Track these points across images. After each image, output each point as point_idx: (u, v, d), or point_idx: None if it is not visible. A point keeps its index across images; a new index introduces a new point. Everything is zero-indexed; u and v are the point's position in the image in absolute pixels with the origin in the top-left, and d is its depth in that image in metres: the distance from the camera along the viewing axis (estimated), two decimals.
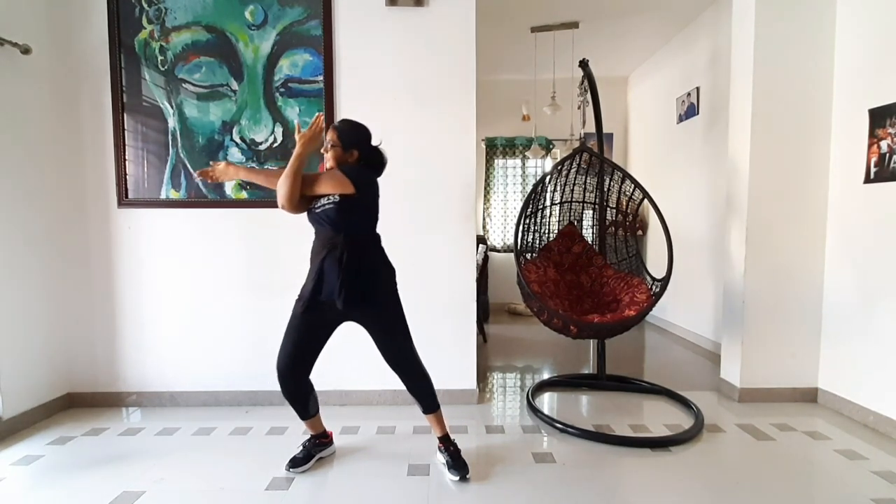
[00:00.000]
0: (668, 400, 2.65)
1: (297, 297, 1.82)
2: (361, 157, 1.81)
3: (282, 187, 1.68)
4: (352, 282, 1.71)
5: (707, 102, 3.77)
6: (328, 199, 1.72)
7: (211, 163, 1.93)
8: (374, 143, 1.86)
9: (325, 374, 2.51)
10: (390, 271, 1.86)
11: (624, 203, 2.93)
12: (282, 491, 1.74)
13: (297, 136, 1.71)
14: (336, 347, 2.50)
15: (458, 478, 1.78)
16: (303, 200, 1.74)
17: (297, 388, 1.85)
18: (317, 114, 1.69)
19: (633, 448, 2.07)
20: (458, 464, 1.82)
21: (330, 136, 1.78)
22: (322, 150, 1.81)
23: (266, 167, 2.52)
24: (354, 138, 1.80)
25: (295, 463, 1.87)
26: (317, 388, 2.53)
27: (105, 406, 2.54)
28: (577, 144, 3.56)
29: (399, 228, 2.50)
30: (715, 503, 1.67)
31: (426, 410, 1.89)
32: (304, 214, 1.80)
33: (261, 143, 2.51)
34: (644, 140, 5.04)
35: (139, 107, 2.49)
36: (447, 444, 1.89)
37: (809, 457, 2.01)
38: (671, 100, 4.33)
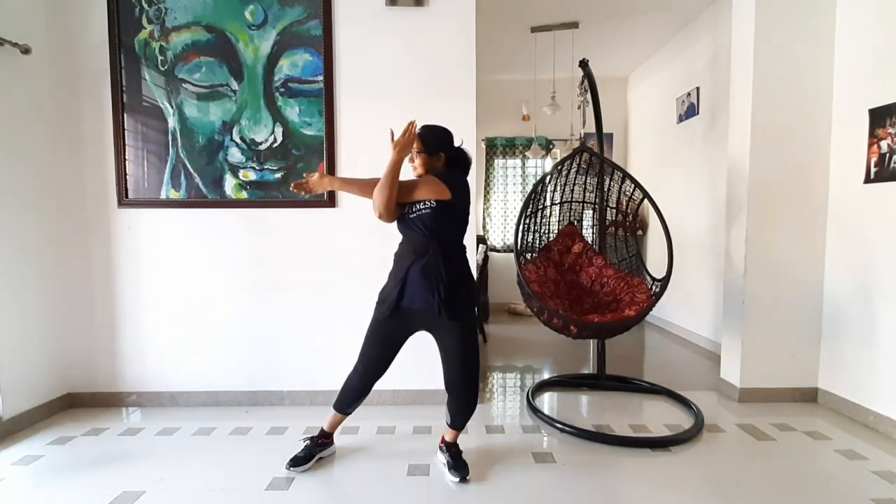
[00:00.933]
0: (668, 400, 2.65)
1: (378, 301, 1.82)
2: (448, 159, 1.80)
3: (379, 196, 1.66)
4: (444, 289, 1.69)
5: (707, 102, 3.77)
6: (424, 205, 1.70)
7: (305, 175, 1.89)
8: (455, 143, 1.85)
9: (325, 374, 2.53)
10: (474, 283, 1.85)
11: (624, 203, 2.93)
12: (282, 491, 1.74)
13: (391, 143, 1.65)
14: (336, 347, 2.51)
15: (458, 479, 1.78)
16: (398, 208, 1.73)
17: (367, 388, 1.87)
18: (410, 121, 1.66)
19: (633, 448, 2.07)
20: (458, 464, 1.82)
21: (415, 145, 1.74)
22: (408, 161, 1.75)
23: (267, 165, 2.52)
24: (438, 142, 1.78)
25: (296, 462, 1.87)
26: (318, 387, 2.55)
27: (105, 406, 2.54)
28: (577, 144, 3.56)
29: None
30: (715, 503, 1.67)
31: (456, 427, 1.87)
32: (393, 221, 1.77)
33: (261, 143, 2.51)
34: (644, 140, 5.04)
35: (139, 107, 2.49)
36: (449, 445, 1.89)
37: (809, 457, 2.01)
38: (671, 100, 4.33)
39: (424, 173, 1.76)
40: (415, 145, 1.74)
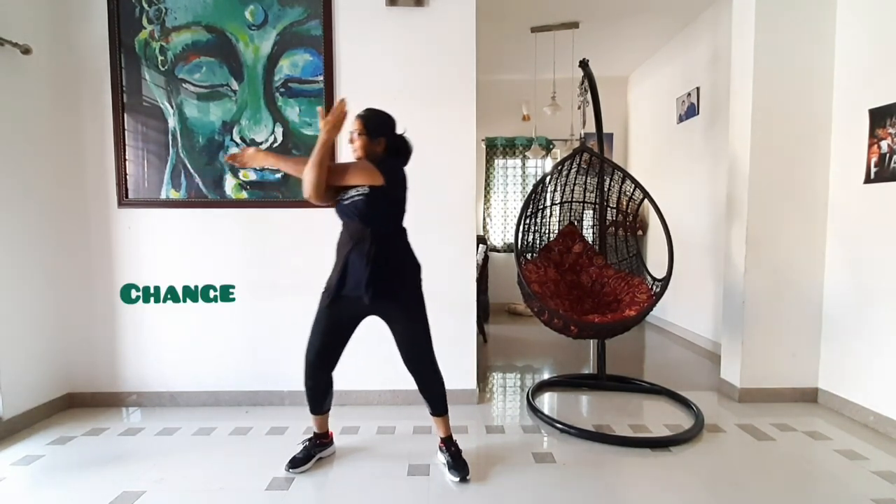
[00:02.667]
0: (668, 400, 2.64)
1: (323, 290, 1.82)
2: (388, 145, 1.79)
3: (308, 175, 1.64)
4: (379, 275, 1.70)
5: (707, 102, 3.77)
6: (357, 191, 1.70)
7: (241, 147, 1.90)
8: (398, 131, 1.84)
9: None
10: (416, 267, 1.85)
11: (624, 203, 2.93)
12: (282, 491, 1.74)
13: (320, 123, 1.65)
14: None
15: (458, 478, 1.78)
16: (330, 191, 1.72)
17: (321, 381, 1.87)
18: (340, 98, 1.67)
19: (633, 448, 2.07)
20: (458, 464, 1.82)
21: (356, 125, 1.75)
22: (349, 142, 1.78)
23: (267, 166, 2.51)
24: (381, 126, 1.78)
25: (295, 463, 1.87)
26: None
27: (105, 406, 2.54)
28: (577, 144, 3.56)
29: None
30: (715, 503, 1.67)
31: (435, 413, 1.88)
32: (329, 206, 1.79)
33: (261, 143, 2.51)
34: (644, 140, 5.04)
35: (139, 107, 2.49)
36: (449, 444, 1.89)
37: (809, 457, 2.01)
38: (671, 100, 4.33)
39: (363, 156, 1.74)
40: (355, 126, 1.74)
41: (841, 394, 2.45)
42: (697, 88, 3.88)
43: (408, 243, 1.85)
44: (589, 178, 3.02)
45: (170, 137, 2.50)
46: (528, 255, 2.96)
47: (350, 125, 1.77)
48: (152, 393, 2.57)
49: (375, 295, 1.70)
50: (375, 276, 1.70)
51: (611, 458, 2.00)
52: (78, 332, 2.53)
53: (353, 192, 1.72)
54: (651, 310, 2.43)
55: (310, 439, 1.96)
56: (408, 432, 2.23)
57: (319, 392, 1.89)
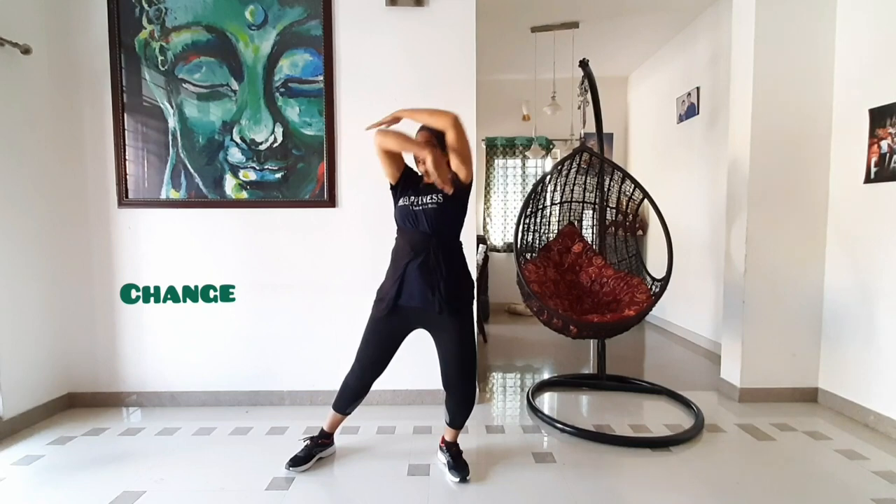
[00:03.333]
0: (668, 400, 2.64)
1: (376, 299, 1.80)
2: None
3: (397, 141, 1.64)
4: (444, 287, 1.67)
5: (707, 102, 3.77)
6: (431, 199, 1.67)
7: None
8: None
9: (326, 373, 2.53)
10: (472, 280, 1.83)
11: (624, 203, 2.93)
12: (282, 491, 1.74)
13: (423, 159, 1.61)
14: (337, 347, 2.51)
15: (458, 479, 1.78)
16: (395, 164, 1.70)
17: (365, 388, 1.85)
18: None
19: (633, 448, 2.07)
20: (458, 464, 1.82)
21: (423, 137, 1.67)
22: (421, 161, 1.64)
23: (267, 166, 2.52)
24: (441, 137, 1.67)
25: (295, 462, 1.87)
26: (318, 387, 2.55)
27: (105, 406, 2.54)
28: (577, 144, 3.56)
29: None
30: (715, 503, 1.67)
31: (455, 426, 1.86)
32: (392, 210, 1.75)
33: (261, 143, 2.51)
34: (644, 140, 5.04)
35: (139, 107, 2.49)
36: (450, 445, 1.89)
37: (809, 457, 2.01)
38: (671, 100, 4.33)
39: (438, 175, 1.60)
40: (423, 137, 1.67)
41: (841, 394, 2.45)
42: (697, 88, 3.88)
43: (464, 255, 1.81)
44: (589, 178, 3.02)
45: (170, 137, 2.50)
46: (528, 255, 2.96)
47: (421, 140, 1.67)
48: (152, 393, 2.57)
49: (443, 307, 1.67)
50: (442, 288, 1.66)
51: (611, 458, 2.00)
52: (78, 332, 2.53)
53: (426, 199, 1.67)
54: (650, 310, 2.43)
55: (311, 438, 1.96)
56: (408, 432, 2.23)
57: (358, 394, 1.87)
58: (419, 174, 1.79)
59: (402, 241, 1.74)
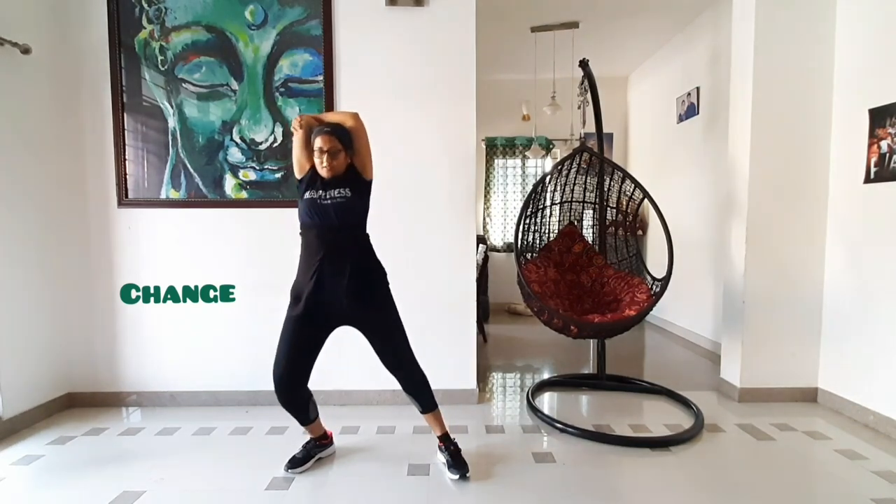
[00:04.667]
0: (668, 400, 2.64)
1: (292, 301, 1.77)
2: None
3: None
4: (358, 282, 1.69)
5: (707, 102, 3.77)
6: (339, 192, 1.69)
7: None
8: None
9: (325, 373, 2.52)
10: (383, 271, 1.84)
11: (624, 203, 2.93)
12: (282, 491, 1.74)
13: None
14: (336, 348, 2.51)
15: (457, 476, 1.78)
16: (308, 157, 1.75)
17: (296, 396, 1.80)
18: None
19: (633, 448, 2.07)
20: (457, 462, 1.82)
21: (329, 144, 1.67)
22: (323, 165, 1.68)
23: (267, 165, 2.52)
24: (347, 138, 1.73)
25: (294, 463, 1.87)
26: (317, 387, 2.54)
27: (105, 406, 2.54)
28: (577, 144, 3.56)
29: (399, 228, 2.50)
30: (715, 503, 1.67)
31: (424, 410, 1.87)
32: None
33: (261, 143, 2.51)
34: (644, 140, 5.04)
35: (139, 107, 2.49)
36: (447, 443, 1.89)
37: (809, 457, 2.01)
38: (671, 100, 4.33)
39: (336, 173, 1.71)
40: (328, 145, 1.67)
41: (841, 394, 2.45)
42: (697, 88, 3.88)
43: (372, 247, 1.83)
44: (589, 177, 3.02)
45: (170, 137, 2.50)
46: (528, 255, 2.96)
47: (319, 142, 1.69)
48: (152, 393, 2.57)
49: (355, 302, 1.69)
50: (354, 283, 1.68)
51: (611, 458, 2.00)
52: (78, 331, 2.53)
53: (335, 193, 1.69)
54: (651, 310, 2.43)
55: (310, 440, 1.96)
56: (408, 432, 2.23)
57: (299, 406, 1.82)
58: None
59: (311, 237, 1.74)
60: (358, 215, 1.77)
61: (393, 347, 1.81)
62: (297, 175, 1.80)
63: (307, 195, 1.73)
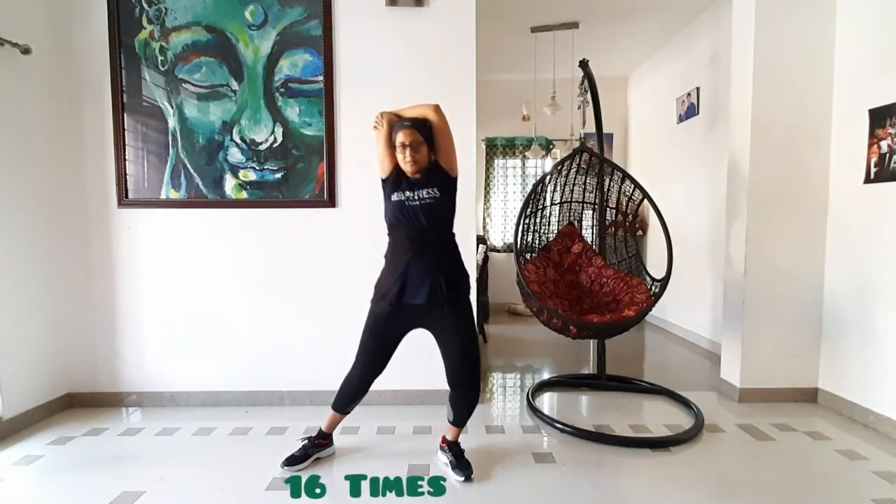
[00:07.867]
0: (668, 400, 2.64)
1: (375, 297, 1.78)
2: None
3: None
4: (444, 285, 1.67)
5: (707, 102, 3.77)
6: (428, 193, 1.66)
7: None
8: None
9: (325, 374, 2.52)
10: (468, 275, 1.82)
11: (624, 203, 2.93)
12: (282, 491, 1.73)
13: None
14: (337, 347, 2.51)
15: (463, 478, 1.78)
16: (391, 156, 1.72)
17: (365, 388, 1.85)
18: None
19: (633, 448, 2.07)
20: (462, 464, 1.82)
21: (410, 137, 1.64)
22: (406, 160, 1.65)
23: (267, 166, 2.52)
24: (429, 131, 1.69)
25: (291, 461, 1.87)
26: (317, 387, 2.55)
27: (105, 406, 2.54)
28: (577, 144, 3.56)
29: None
30: (715, 503, 1.67)
31: (458, 423, 1.85)
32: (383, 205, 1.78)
33: (261, 143, 2.51)
34: (644, 140, 5.04)
35: (139, 107, 2.49)
36: (452, 445, 1.89)
37: (809, 457, 2.01)
38: (671, 100, 4.33)
39: (420, 170, 1.69)
40: (411, 138, 1.65)
41: (841, 394, 2.45)
42: (697, 88, 3.88)
43: (459, 249, 1.81)
44: (589, 178, 3.02)
45: (170, 137, 2.50)
46: (528, 255, 2.96)
47: (400, 136, 1.68)
48: (152, 393, 2.57)
49: (445, 303, 1.67)
50: (444, 285, 1.66)
51: (611, 458, 2.00)
52: (78, 331, 2.53)
53: (423, 194, 1.66)
54: (650, 310, 2.43)
55: (309, 439, 1.96)
56: (408, 432, 2.23)
57: (357, 394, 1.87)
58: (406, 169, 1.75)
59: (399, 237, 1.73)
60: (446, 217, 1.74)
61: (466, 353, 1.75)
62: (382, 175, 1.77)
63: (395, 196, 1.71)
